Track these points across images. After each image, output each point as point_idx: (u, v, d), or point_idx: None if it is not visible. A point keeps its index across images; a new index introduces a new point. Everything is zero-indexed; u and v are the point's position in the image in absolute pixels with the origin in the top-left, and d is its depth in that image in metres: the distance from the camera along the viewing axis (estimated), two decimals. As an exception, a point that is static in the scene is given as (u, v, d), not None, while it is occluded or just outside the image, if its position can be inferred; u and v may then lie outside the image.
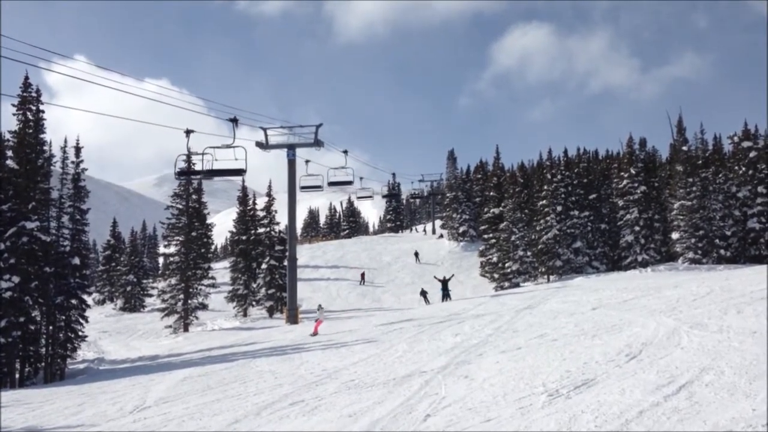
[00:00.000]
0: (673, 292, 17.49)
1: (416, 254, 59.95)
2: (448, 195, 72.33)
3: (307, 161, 38.26)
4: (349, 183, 38.59)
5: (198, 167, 24.47)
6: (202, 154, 23.43)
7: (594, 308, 16.69)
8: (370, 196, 52.67)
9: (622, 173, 46.15)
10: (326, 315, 23.01)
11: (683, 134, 44.48)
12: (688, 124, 64.80)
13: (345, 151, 37.30)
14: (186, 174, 26.68)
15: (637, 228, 43.09)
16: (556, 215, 44.74)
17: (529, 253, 43.60)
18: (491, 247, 48.27)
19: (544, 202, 45.97)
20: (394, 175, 55.96)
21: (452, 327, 17.67)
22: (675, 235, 42.19)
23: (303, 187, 37.83)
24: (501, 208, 49.93)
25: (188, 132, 23.11)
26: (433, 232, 78.04)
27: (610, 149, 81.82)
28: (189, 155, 26.94)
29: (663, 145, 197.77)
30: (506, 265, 43.64)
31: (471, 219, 64.82)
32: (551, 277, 43.58)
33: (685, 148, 43.33)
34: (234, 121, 24.24)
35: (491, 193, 56.20)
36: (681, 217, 40.68)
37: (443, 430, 6.73)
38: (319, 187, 38.00)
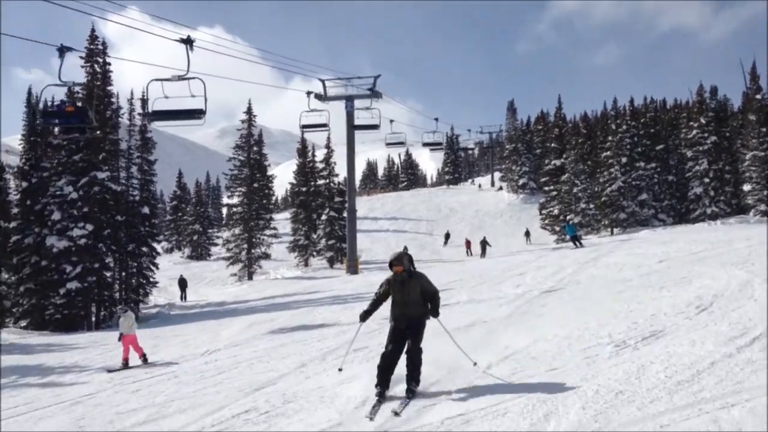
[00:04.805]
0: (745, 244, 16.84)
1: (527, 233, 48.74)
2: (507, 147, 71.21)
3: (391, 120, 36.72)
4: (375, 127, 35.41)
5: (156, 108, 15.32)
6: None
7: (661, 261, 16.27)
8: (440, 143, 49.10)
9: (692, 123, 44.33)
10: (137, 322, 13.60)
11: (757, 82, 42.47)
12: (762, 71, 61.32)
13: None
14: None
15: (706, 180, 41.58)
16: (621, 167, 43.52)
17: (591, 206, 42.73)
18: (552, 199, 47.49)
19: (608, 153, 44.73)
20: (437, 120, 51.23)
21: (513, 278, 17.57)
22: (747, 187, 40.59)
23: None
24: (563, 160, 48.89)
25: (187, 41, 14.47)
26: (492, 184, 77.17)
27: (679, 98, 78.30)
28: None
29: (735, 94, 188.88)
30: (568, 217, 42.94)
31: (531, 171, 63.80)
32: (615, 230, 42.68)
33: (758, 96, 41.33)
34: (188, 42, 14.53)
35: (552, 145, 55.01)
36: (753, 169, 39.09)
37: (507, 377, 6.76)
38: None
